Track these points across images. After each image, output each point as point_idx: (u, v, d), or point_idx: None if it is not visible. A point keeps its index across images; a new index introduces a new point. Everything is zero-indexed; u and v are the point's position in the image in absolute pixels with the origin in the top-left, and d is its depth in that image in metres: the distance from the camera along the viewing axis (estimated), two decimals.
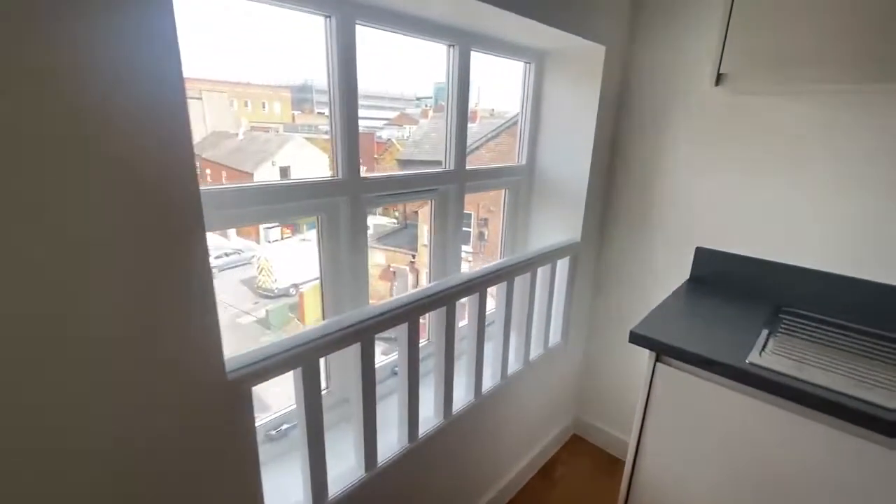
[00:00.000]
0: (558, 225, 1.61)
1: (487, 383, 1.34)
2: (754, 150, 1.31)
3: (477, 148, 1.92)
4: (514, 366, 1.44)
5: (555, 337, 1.65)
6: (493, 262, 1.28)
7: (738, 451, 1.00)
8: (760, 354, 0.99)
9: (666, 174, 1.50)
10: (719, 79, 1.06)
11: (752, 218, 1.35)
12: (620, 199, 1.63)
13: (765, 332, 1.11)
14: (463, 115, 1.29)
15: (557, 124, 1.54)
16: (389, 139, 1.96)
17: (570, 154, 1.53)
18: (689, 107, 1.40)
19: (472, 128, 2.13)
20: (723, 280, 1.42)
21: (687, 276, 1.50)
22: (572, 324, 1.71)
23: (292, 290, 2.61)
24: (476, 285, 1.16)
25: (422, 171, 1.24)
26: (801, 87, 1.01)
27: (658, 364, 1.08)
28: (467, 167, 1.36)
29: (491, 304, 1.36)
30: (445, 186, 1.33)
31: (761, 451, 0.96)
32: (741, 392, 0.97)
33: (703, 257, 1.45)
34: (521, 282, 1.36)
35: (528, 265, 1.33)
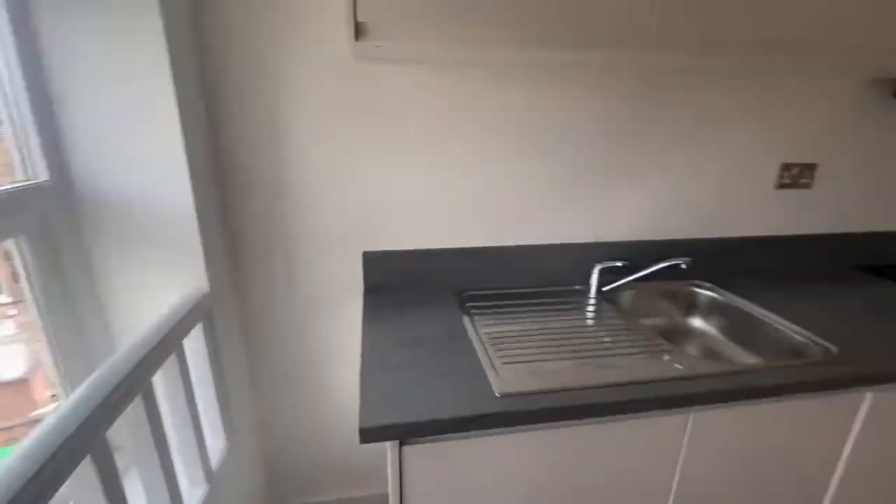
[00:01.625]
0: (162, 273, 0.94)
1: None
2: (404, 127, 1.12)
3: None
4: None
5: (216, 448, 1.03)
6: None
7: (526, 488, 0.83)
8: (497, 373, 0.83)
9: (307, 167, 1.11)
10: (359, 30, 0.74)
11: (410, 205, 1.19)
12: (251, 210, 1.13)
13: (474, 335, 0.98)
14: None
15: (104, 101, 0.83)
16: None
17: (146, 153, 0.87)
18: (324, 72, 1.04)
19: None
20: (401, 283, 1.23)
21: (361, 289, 1.23)
22: (235, 410, 1.14)
23: None
24: None
25: None
26: (451, 46, 0.84)
27: (404, 448, 0.74)
28: None
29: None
30: None
31: (551, 477, 0.83)
32: (506, 433, 0.78)
33: (373, 262, 1.21)
34: (130, 416, 0.68)
35: (127, 390, 0.65)
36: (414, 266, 1.23)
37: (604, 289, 1.22)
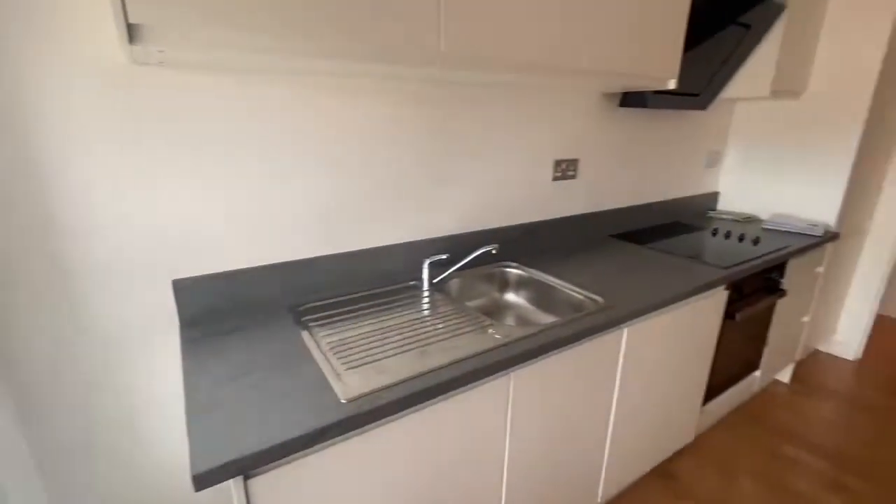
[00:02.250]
0: None
1: None
2: (207, 138, 1.01)
3: None
4: None
5: None
6: None
7: (389, 483, 0.86)
8: (342, 379, 0.84)
9: (86, 189, 0.92)
10: (133, 33, 0.65)
11: (224, 223, 1.10)
12: (5, 246, 0.88)
13: (315, 348, 0.96)
14: None
15: None
16: None
17: None
18: (98, 77, 0.86)
19: None
20: (226, 309, 1.12)
21: (175, 323, 1.08)
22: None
23: None
24: None
25: None
26: (240, 55, 0.80)
27: (251, 482, 0.70)
28: None
29: None
30: None
31: (410, 465, 0.87)
32: (359, 435, 0.80)
33: (188, 291, 1.07)
34: None
35: None
36: (238, 288, 1.14)
37: (434, 280, 1.34)
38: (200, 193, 1.04)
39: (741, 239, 1.92)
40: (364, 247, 1.32)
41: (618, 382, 1.29)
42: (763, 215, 2.35)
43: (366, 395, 0.80)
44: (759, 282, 1.76)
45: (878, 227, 2.42)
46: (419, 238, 1.41)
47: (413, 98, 1.28)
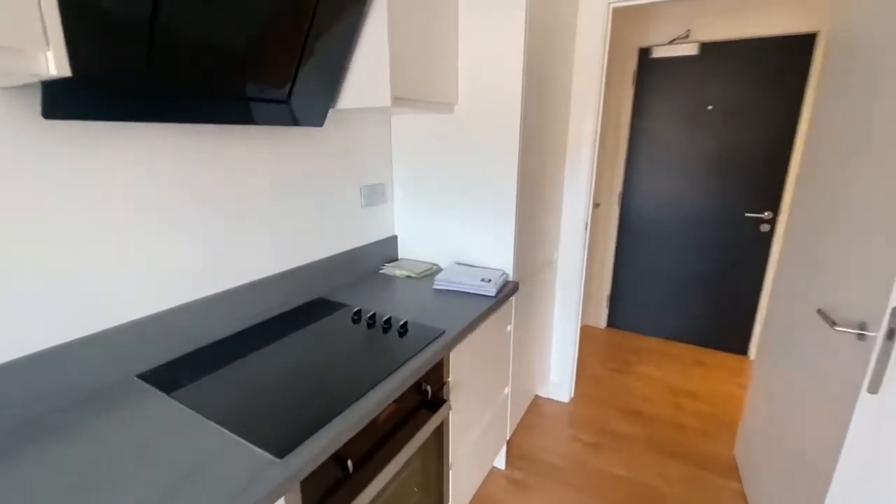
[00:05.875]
0: None
1: None
2: None
3: None
4: None
5: None
6: None
7: None
8: None
9: None
10: None
11: None
12: None
13: None
14: None
15: None
16: None
17: None
18: None
19: None
20: None
21: None
22: None
23: None
24: None
25: None
26: None
27: None
28: None
29: None
30: None
31: None
32: None
33: None
34: None
35: None
36: None
37: None
38: None
39: (386, 329, 1.23)
40: None
41: None
42: (444, 262, 1.80)
43: None
44: (413, 397, 1.07)
45: (564, 254, 2.18)
46: None
47: None
